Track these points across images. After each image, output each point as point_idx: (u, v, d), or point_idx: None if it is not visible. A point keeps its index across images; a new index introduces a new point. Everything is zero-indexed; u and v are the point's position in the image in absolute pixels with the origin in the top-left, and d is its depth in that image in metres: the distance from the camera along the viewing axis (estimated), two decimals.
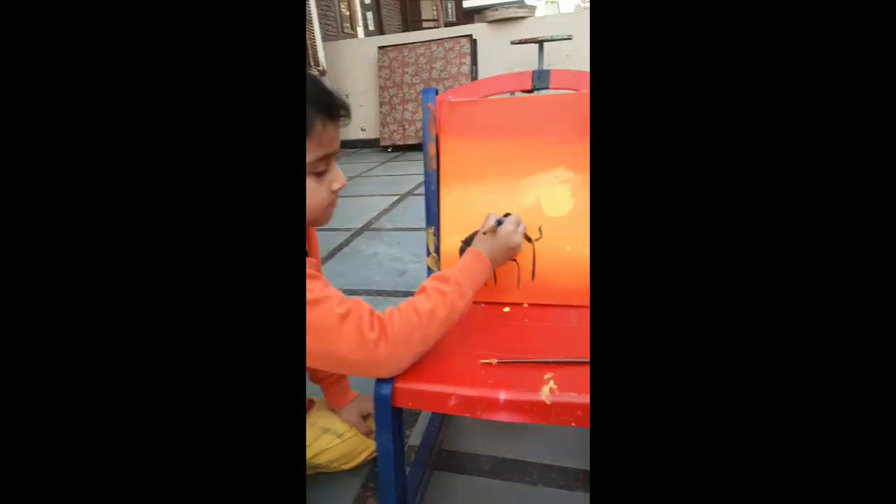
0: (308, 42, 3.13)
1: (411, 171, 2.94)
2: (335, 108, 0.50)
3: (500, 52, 3.43)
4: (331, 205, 0.54)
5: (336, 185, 0.53)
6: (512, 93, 0.78)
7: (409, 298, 0.52)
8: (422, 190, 2.45)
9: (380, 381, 0.51)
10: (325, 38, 3.81)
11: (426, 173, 0.74)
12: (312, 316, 0.44)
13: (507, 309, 0.67)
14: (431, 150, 0.72)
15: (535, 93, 0.73)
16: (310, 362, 0.47)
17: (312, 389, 0.79)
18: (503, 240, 0.60)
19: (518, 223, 0.62)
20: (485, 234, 0.60)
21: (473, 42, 3.42)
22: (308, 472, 0.72)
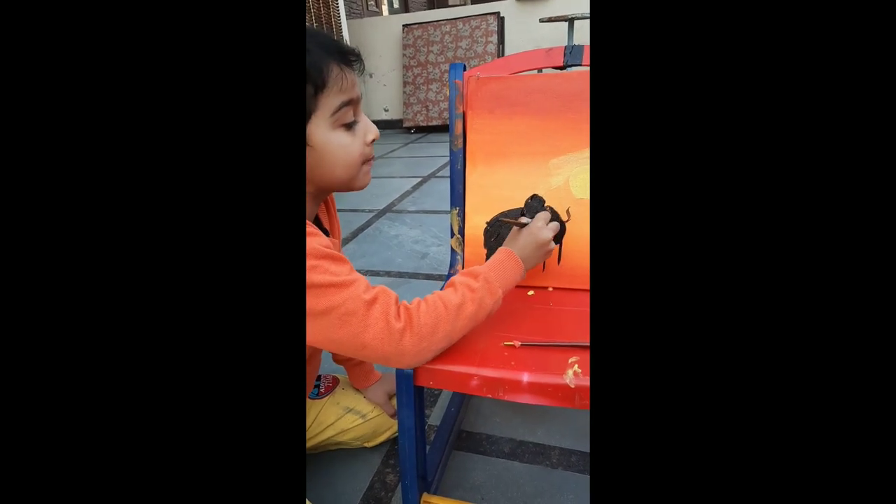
0: (332, 20, 3.10)
1: (434, 153, 2.92)
2: (346, 55, 0.48)
3: (528, 31, 3.34)
4: (367, 162, 0.52)
5: (370, 136, 0.51)
6: (540, 70, 0.75)
7: (437, 292, 0.50)
8: (444, 172, 2.45)
9: None
10: (349, 16, 3.78)
11: (451, 153, 0.72)
12: (338, 300, 0.43)
13: (531, 292, 0.66)
14: (458, 128, 0.71)
15: (567, 70, 0.70)
16: (331, 347, 0.46)
17: (338, 368, 0.80)
18: (530, 236, 0.57)
19: (547, 219, 0.59)
20: (507, 223, 0.58)
21: (501, 20, 3.33)
22: (329, 448, 0.74)
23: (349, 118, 0.49)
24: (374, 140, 0.52)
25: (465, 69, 0.71)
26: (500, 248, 0.56)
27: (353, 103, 0.48)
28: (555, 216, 0.67)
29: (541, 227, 0.57)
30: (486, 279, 0.51)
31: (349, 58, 0.48)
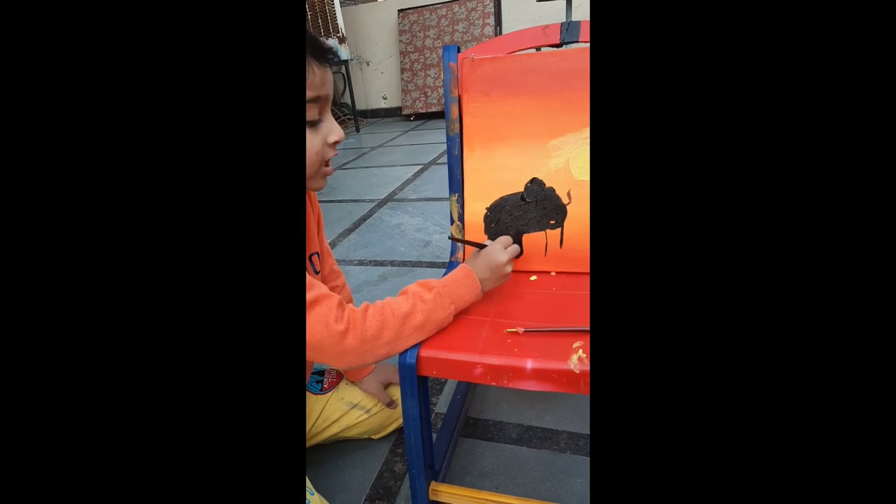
0: (326, 8, 3.05)
1: (434, 139, 2.89)
2: (322, 51, 0.47)
3: (525, 11, 3.28)
4: (326, 163, 0.51)
5: (333, 138, 0.50)
6: (538, 48, 0.73)
7: (388, 298, 0.51)
8: (445, 159, 2.42)
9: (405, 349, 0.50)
10: (343, 3, 3.72)
11: (448, 138, 0.71)
12: None
13: (533, 277, 0.65)
14: (454, 112, 0.69)
15: (564, 47, 0.68)
16: None
17: None
18: (486, 258, 0.57)
19: (507, 243, 0.59)
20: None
21: (497, 1, 3.26)
22: (338, 440, 0.74)
23: (313, 116, 0.47)
24: (337, 141, 0.50)
25: (459, 51, 0.69)
26: (460, 265, 0.57)
27: (319, 101, 0.47)
28: (553, 200, 0.65)
29: (497, 250, 0.57)
30: (438, 293, 0.51)
31: (324, 55, 0.47)
